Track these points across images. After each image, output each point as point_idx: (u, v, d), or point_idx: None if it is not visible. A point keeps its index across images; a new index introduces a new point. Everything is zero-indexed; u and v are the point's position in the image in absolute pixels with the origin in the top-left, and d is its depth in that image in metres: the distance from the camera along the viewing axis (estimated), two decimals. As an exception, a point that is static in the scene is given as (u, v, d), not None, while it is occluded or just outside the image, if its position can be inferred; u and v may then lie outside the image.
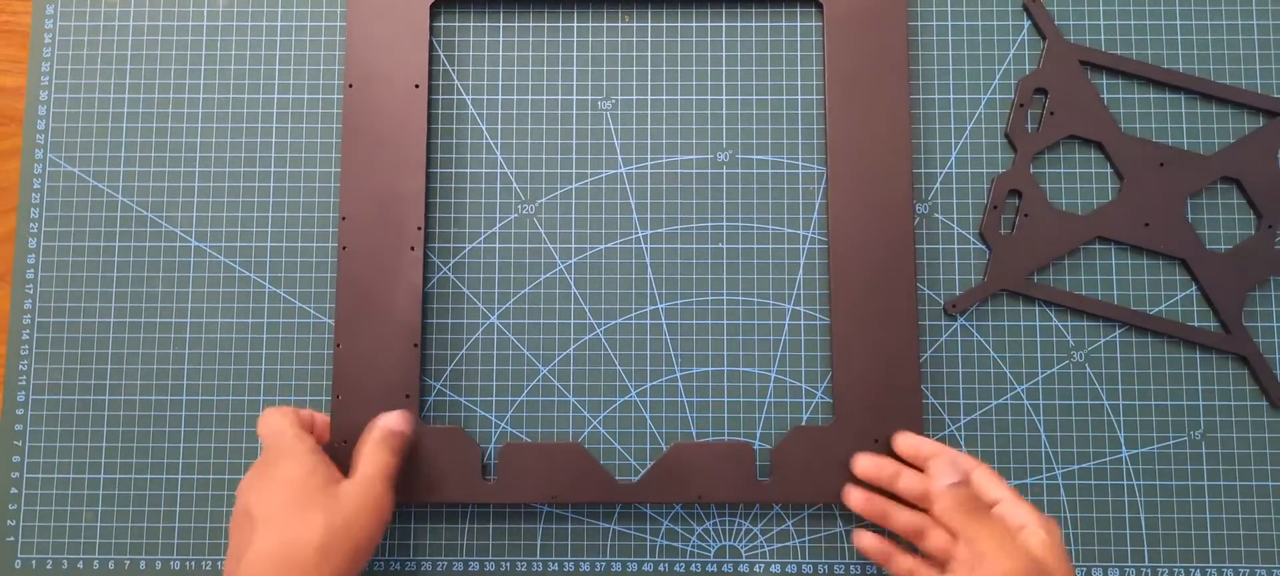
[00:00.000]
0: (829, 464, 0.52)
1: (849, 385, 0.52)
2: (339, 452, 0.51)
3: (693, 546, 0.53)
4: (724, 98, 0.56)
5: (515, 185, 0.55)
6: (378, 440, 0.49)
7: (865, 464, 0.50)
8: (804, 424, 0.53)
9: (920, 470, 0.49)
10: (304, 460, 0.46)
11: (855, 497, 0.49)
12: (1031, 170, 0.54)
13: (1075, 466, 0.53)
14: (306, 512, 0.44)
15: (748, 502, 0.53)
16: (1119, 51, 0.55)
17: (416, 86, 0.54)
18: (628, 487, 0.52)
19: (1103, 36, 0.56)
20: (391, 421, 0.50)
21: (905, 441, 0.50)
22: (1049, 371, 0.54)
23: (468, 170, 0.55)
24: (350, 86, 0.54)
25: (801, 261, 0.54)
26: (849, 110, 0.54)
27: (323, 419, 0.52)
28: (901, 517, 0.48)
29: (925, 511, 0.48)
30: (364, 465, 0.48)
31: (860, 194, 0.53)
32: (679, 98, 0.56)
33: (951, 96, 0.55)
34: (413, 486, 0.52)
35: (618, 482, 0.52)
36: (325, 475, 0.46)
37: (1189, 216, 0.54)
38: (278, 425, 0.48)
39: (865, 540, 0.50)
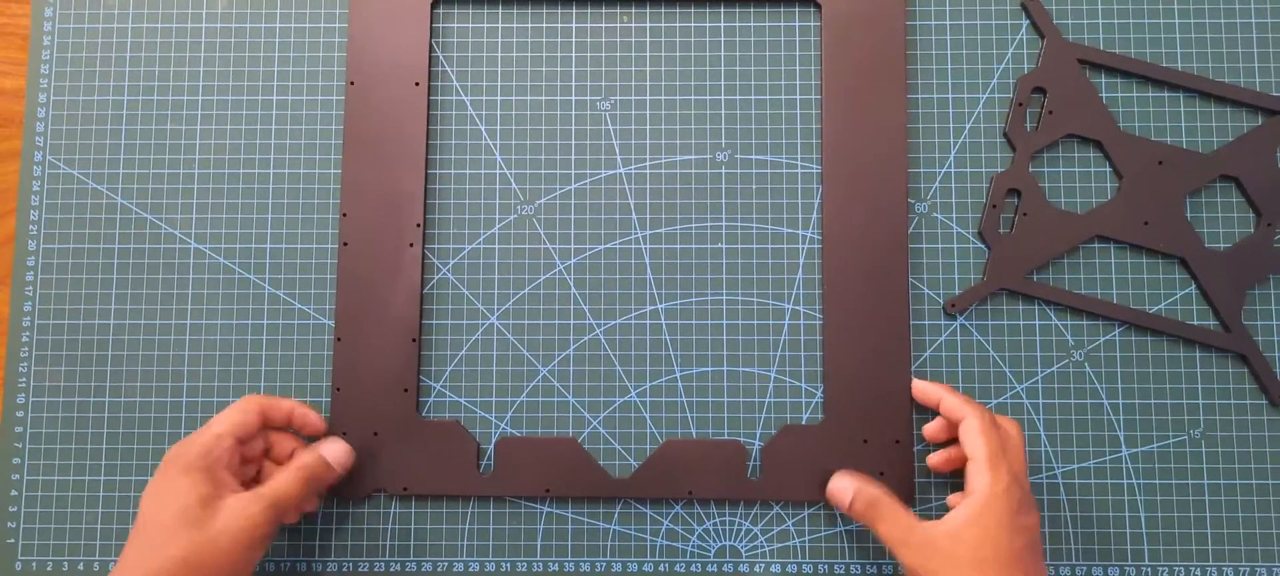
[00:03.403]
0: (818, 463, 0.52)
1: (840, 384, 0.52)
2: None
3: (693, 546, 0.53)
4: (723, 98, 0.56)
5: (514, 186, 0.55)
6: (296, 468, 0.48)
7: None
8: (803, 423, 0.53)
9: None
10: (197, 481, 0.45)
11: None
12: (1030, 169, 0.54)
13: (1075, 465, 0.53)
14: (171, 544, 0.44)
15: (738, 499, 0.53)
16: (1118, 50, 0.55)
17: (417, 84, 0.54)
18: (621, 482, 0.52)
19: (1101, 35, 0.56)
20: (332, 455, 0.50)
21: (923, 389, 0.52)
22: (1048, 370, 0.54)
23: (467, 171, 0.55)
24: (351, 84, 0.55)
25: (800, 261, 0.54)
26: (845, 110, 0.54)
27: (303, 413, 0.51)
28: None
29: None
30: (267, 485, 0.47)
31: (855, 194, 0.54)
32: (678, 98, 0.56)
33: (950, 95, 0.55)
34: (410, 478, 0.52)
35: (611, 477, 0.53)
36: (204, 491, 0.45)
37: (1188, 215, 0.54)
38: (197, 438, 0.47)
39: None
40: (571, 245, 0.55)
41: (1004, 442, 0.47)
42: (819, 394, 0.54)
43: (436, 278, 0.55)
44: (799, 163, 0.55)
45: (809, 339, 0.54)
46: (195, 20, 0.57)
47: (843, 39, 0.54)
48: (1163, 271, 0.54)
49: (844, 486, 0.50)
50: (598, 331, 0.54)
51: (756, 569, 0.53)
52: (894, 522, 0.47)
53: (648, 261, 0.55)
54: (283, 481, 0.47)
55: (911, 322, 0.53)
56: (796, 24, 0.56)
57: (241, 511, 0.45)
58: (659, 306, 0.54)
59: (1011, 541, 0.44)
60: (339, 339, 0.53)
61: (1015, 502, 0.45)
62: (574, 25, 0.56)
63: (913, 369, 0.53)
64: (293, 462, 0.49)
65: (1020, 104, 0.55)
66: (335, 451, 0.50)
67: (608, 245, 0.55)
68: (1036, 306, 0.54)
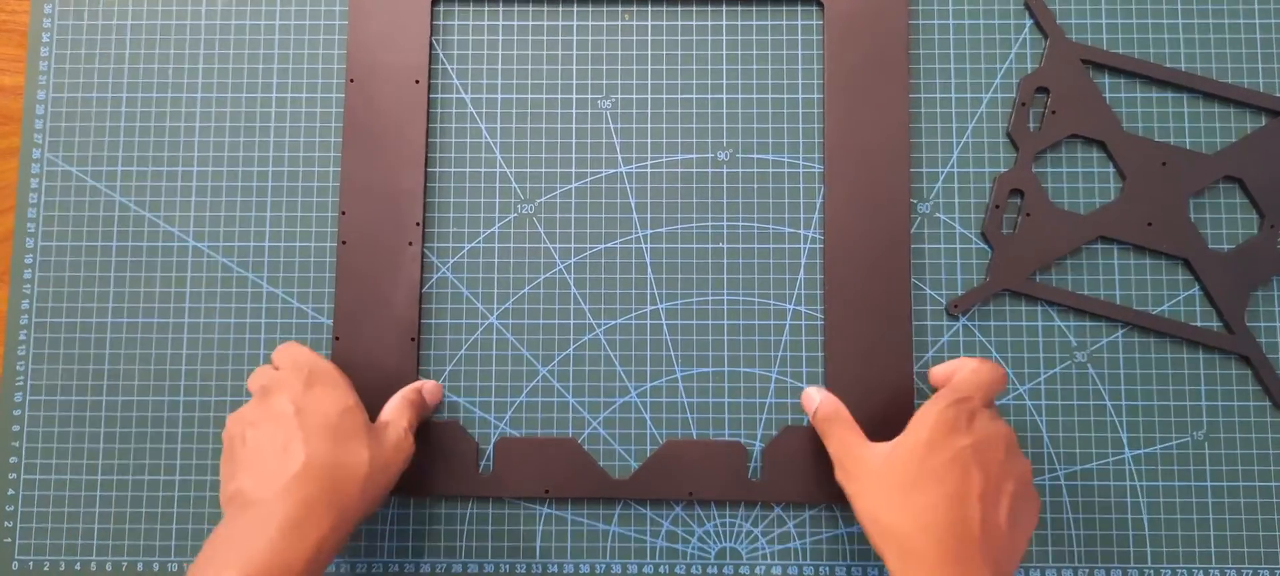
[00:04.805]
0: (819, 463, 0.52)
1: (841, 385, 0.52)
2: None
3: (693, 548, 0.53)
4: (724, 97, 0.55)
5: (514, 184, 0.55)
6: (409, 399, 0.50)
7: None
8: (804, 424, 0.53)
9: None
10: (349, 392, 0.48)
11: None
12: (1033, 169, 0.54)
13: (1078, 467, 0.53)
14: (355, 443, 0.45)
15: (739, 500, 0.53)
16: (1121, 50, 0.55)
17: (417, 82, 0.54)
18: (621, 483, 0.52)
19: (1104, 35, 0.55)
20: (426, 389, 0.52)
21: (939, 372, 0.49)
22: (1051, 371, 0.53)
23: (466, 169, 0.55)
24: (351, 81, 0.54)
25: (802, 261, 0.54)
26: (848, 109, 0.54)
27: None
28: None
29: None
30: (394, 415, 0.49)
31: (857, 194, 0.53)
32: (679, 96, 0.55)
33: (953, 95, 0.55)
34: (408, 478, 0.52)
35: (611, 478, 0.52)
36: (363, 412, 0.48)
37: (1191, 216, 0.54)
38: (308, 355, 0.49)
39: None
40: (572, 244, 0.55)
41: (965, 373, 0.46)
42: (820, 394, 0.54)
43: (436, 276, 0.55)
44: (800, 162, 0.55)
45: (810, 339, 0.54)
46: (195, 17, 0.56)
47: (845, 38, 0.54)
48: (1166, 272, 0.54)
49: (813, 394, 0.50)
50: (598, 331, 0.54)
51: (757, 570, 0.53)
52: (840, 441, 0.48)
53: (648, 261, 0.55)
54: (403, 410, 0.50)
55: (913, 323, 0.53)
56: (799, 23, 0.56)
57: (402, 438, 0.48)
58: (659, 306, 0.54)
59: (933, 458, 0.43)
60: (337, 338, 0.53)
61: (948, 422, 0.44)
62: (575, 23, 0.56)
63: (914, 370, 0.53)
64: (396, 397, 0.50)
65: (1023, 104, 0.54)
66: (428, 386, 0.52)
67: (608, 244, 0.55)
68: (1039, 307, 0.54)
